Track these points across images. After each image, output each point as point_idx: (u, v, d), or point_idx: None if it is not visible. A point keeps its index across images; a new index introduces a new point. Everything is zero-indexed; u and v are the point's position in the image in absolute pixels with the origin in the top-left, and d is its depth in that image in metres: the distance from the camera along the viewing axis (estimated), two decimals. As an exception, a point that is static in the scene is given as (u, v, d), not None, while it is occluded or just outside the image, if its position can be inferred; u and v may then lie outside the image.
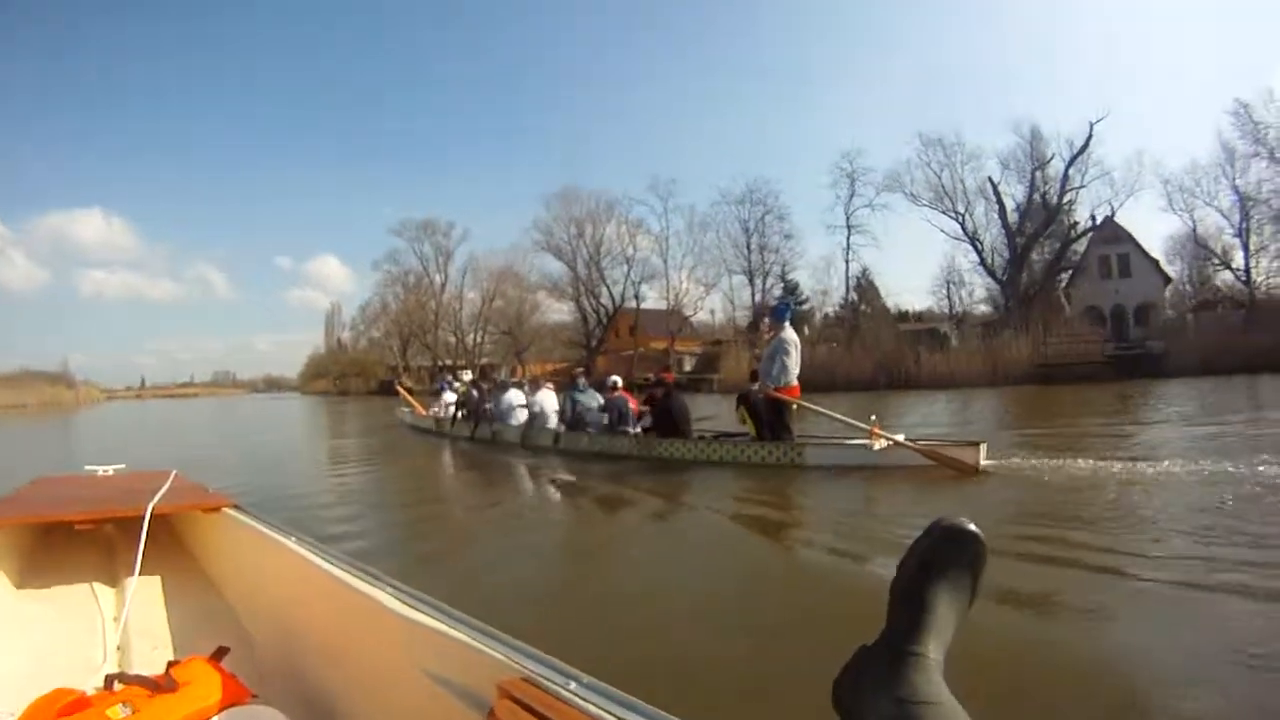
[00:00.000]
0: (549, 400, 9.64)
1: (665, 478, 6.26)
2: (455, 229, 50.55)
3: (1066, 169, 28.30)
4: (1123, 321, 27.59)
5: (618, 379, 8.82)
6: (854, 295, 36.62)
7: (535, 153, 75.13)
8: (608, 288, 43.60)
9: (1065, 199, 28.79)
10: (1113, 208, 28.19)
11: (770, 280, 40.01)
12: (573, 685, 0.92)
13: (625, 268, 43.00)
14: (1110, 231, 28.42)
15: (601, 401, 8.75)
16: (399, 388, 20.17)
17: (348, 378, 53.97)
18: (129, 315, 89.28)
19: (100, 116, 74.73)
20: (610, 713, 0.85)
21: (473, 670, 1.05)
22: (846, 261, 35.94)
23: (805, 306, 36.51)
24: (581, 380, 9.44)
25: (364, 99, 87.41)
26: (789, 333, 6.92)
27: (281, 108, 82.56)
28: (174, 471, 2.77)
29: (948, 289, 34.40)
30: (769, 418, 6.77)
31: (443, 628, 1.15)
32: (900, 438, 6.12)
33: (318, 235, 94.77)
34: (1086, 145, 27.84)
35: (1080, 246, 29.51)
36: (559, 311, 47.29)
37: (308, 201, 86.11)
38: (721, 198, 40.61)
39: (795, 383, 6.80)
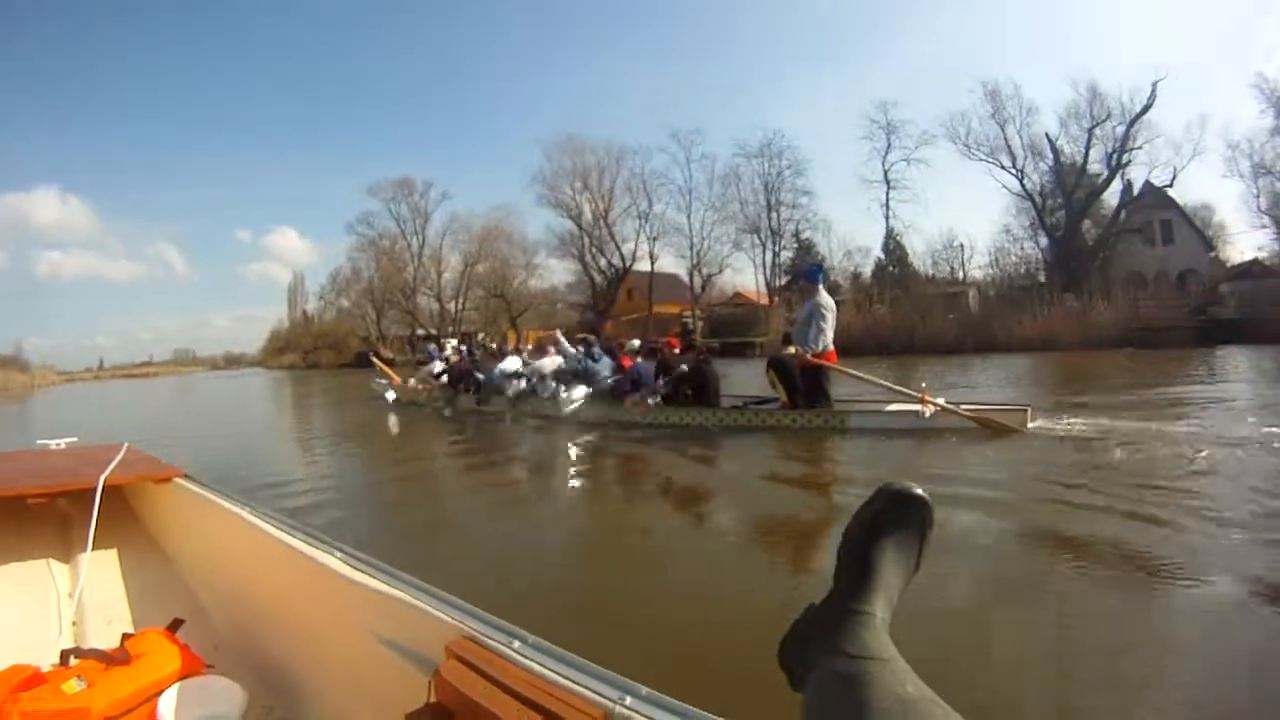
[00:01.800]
0: (552, 365, 9.54)
1: (704, 446, 6.26)
2: (434, 188, 50.21)
3: (1128, 129, 28.43)
4: (1165, 288, 27.88)
5: (637, 342, 8.89)
6: (881, 256, 36.99)
7: (520, 112, 75.71)
8: (617, 246, 42.66)
9: (1125, 160, 28.97)
10: (1175, 170, 28.36)
11: (784, 240, 40.30)
12: (516, 644, 1.01)
13: (637, 224, 42.30)
14: (1153, 197, 28.77)
15: (612, 367, 8.84)
16: (374, 359, 20.18)
17: (318, 350, 53.64)
18: (87, 296, 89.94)
19: (51, 93, 74.66)
20: (552, 669, 0.95)
21: (420, 632, 1.13)
22: (886, 219, 36.13)
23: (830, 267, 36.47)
24: (595, 347, 9.44)
25: (321, 64, 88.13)
26: (824, 296, 7.00)
27: (235, 76, 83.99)
28: (125, 444, 2.86)
29: (994, 254, 34.30)
30: (805, 384, 6.82)
31: (391, 591, 1.23)
32: (943, 402, 6.29)
33: (276, 208, 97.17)
34: (1150, 105, 27.97)
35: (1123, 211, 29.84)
36: (558, 272, 46.92)
37: (266, 174, 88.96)
38: (739, 150, 40.40)
39: (832, 347, 6.92)
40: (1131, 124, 28.53)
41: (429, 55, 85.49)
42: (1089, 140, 29.67)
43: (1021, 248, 33.34)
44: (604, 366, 8.96)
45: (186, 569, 2.28)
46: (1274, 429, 5.15)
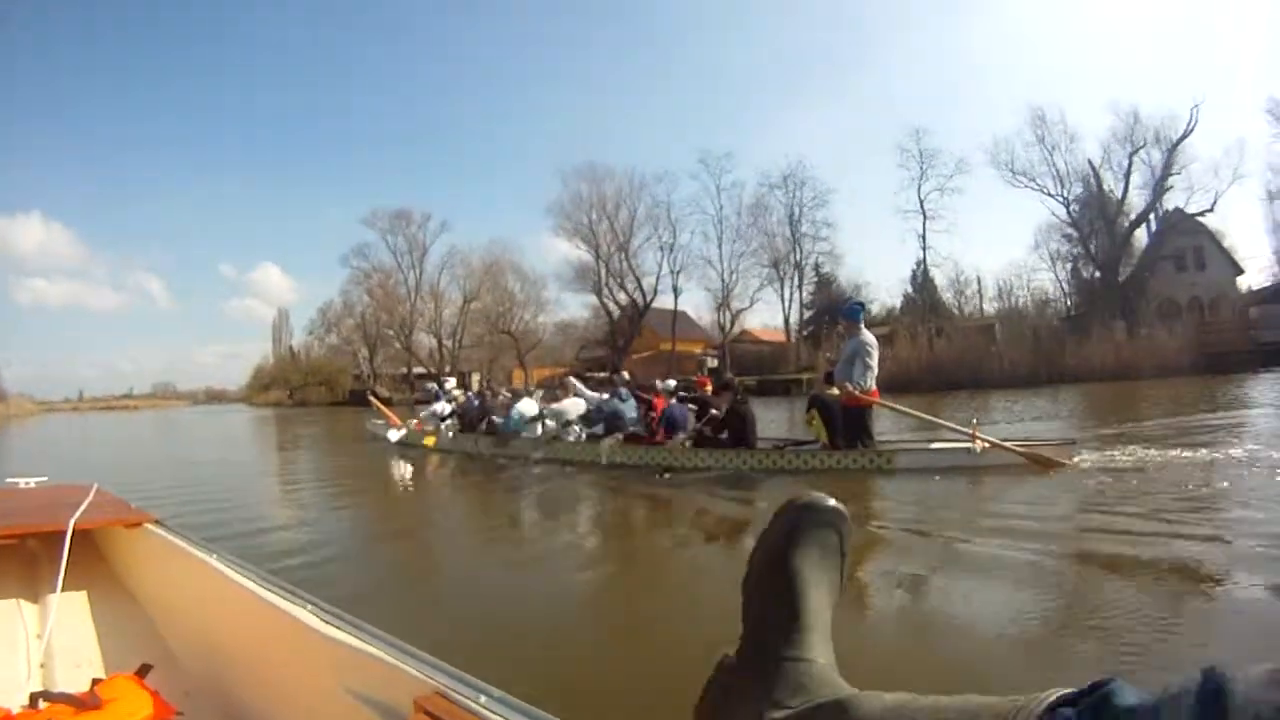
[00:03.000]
0: (575, 408, 9.61)
1: (747, 490, 6.34)
2: (432, 220, 50.76)
3: (1169, 154, 29.39)
4: (1199, 315, 28.23)
5: (673, 382, 9.03)
6: (909, 289, 37.83)
7: (523, 146, 79.19)
8: (638, 279, 42.49)
9: (1167, 185, 29.90)
10: (1216, 195, 29.19)
11: (806, 274, 40.92)
12: (483, 699, 1.07)
13: (659, 255, 42.36)
14: (1185, 223, 29.68)
15: (639, 408, 8.93)
16: (371, 397, 20.25)
17: (307, 387, 53.90)
18: (69, 326, 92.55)
19: (38, 119, 78.43)
20: None
21: (390, 686, 1.19)
22: (923, 248, 36.78)
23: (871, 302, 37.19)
24: (620, 387, 9.40)
25: (310, 97, 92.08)
26: (867, 334, 7.25)
27: (221, 109, 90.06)
28: (95, 484, 2.96)
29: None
30: (847, 423, 6.98)
31: (362, 645, 1.30)
32: (994, 438, 6.50)
33: (260, 244, 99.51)
34: (1190, 130, 28.91)
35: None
36: (572, 307, 47.22)
37: (251, 209, 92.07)
38: (763, 180, 41.15)
39: (874, 386, 7.15)
40: (1173, 149, 29.42)
41: (425, 88, 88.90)
42: (1129, 166, 30.71)
43: (1057, 277, 34.59)
44: (630, 408, 9.00)
45: (156, 614, 2.35)
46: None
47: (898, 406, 7.31)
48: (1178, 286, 29.48)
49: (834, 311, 37.05)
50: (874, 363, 7.06)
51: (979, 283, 37.11)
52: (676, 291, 42.33)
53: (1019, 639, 2.68)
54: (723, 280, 41.14)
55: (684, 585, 3.87)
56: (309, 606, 1.52)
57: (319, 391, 52.62)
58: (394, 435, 13.79)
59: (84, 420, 36.43)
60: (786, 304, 41.27)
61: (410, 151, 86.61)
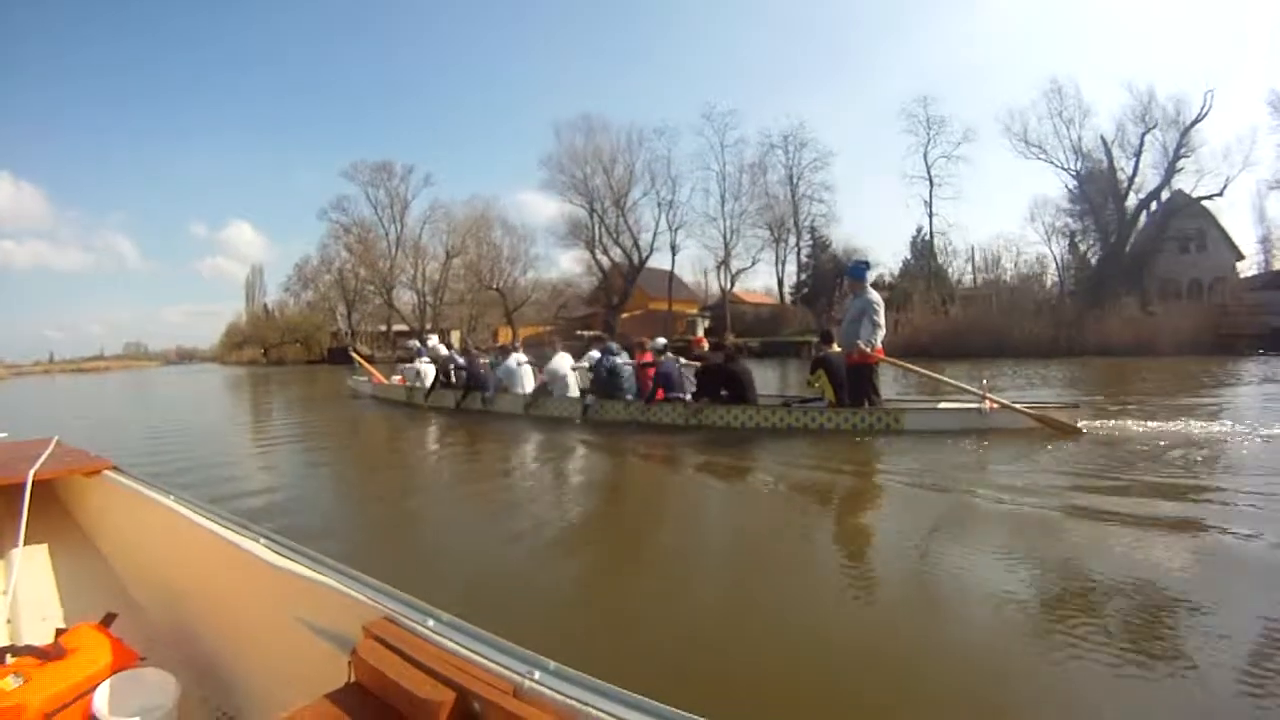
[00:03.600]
0: (565, 363, 9.61)
1: (746, 448, 6.30)
2: (415, 172, 50.16)
3: (1182, 136, 29.86)
4: (1199, 296, 28.84)
5: (662, 341, 8.96)
6: (909, 256, 38.41)
7: (510, 102, 78.03)
8: (633, 235, 42.24)
9: (1178, 166, 30.41)
10: (1227, 180, 29.65)
11: (803, 236, 41.29)
12: (431, 623, 1.10)
13: (656, 212, 42.18)
14: (1189, 206, 30.29)
15: (633, 366, 8.89)
16: (354, 354, 20.27)
17: (283, 345, 53.39)
18: (38, 287, 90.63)
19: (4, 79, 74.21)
20: (464, 646, 1.04)
21: (340, 614, 1.23)
22: (930, 215, 37.61)
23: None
24: (614, 343, 9.39)
25: (286, 52, 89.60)
26: (872, 293, 7.18)
27: (192, 63, 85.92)
28: (55, 437, 3.01)
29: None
30: (854, 382, 6.97)
31: (312, 575, 1.34)
32: (1005, 401, 6.56)
33: (231, 202, 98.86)
34: (1204, 114, 29.39)
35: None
36: (565, 263, 47.50)
37: (223, 166, 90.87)
38: (764, 139, 41.26)
39: (880, 345, 7.11)
40: (1186, 131, 29.92)
41: (403, 40, 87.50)
42: (1141, 145, 31.16)
43: (1051, 250, 35.38)
44: (625, 365, 8.95)
45: (118, 562, 2.41)
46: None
47: (907, 364, 7.32)
48: (1179, 267, 30.10)
49: (827, 274, 37.85)
50: (881, 320, 7.02)
51: (972, 252, 37.91)
52: (674, 249, 42.37)
53: (1031, 592, 2.73)
54: (725, 238, 41.23)
55: (674, 541, 3.87)
56: (262, 540, 1.57)
57: (295, 349, 52.16)
58: (368, 389, 14.12)
59: (52, 382, 36.00)
60: (781, 266, 41.84)
61: (386, 109, 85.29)
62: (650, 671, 2.10)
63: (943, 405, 6.93)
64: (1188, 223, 30.43)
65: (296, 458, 7.42)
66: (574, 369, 9.66)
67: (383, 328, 50.97)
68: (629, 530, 4.18)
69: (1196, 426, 6.04)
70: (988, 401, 6.48)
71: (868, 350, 6.91)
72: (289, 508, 4.73)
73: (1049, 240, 35.41)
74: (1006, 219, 71.46)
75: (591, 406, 8.70)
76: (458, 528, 4.27)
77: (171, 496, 2.07)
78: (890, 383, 7.41)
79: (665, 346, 8.75)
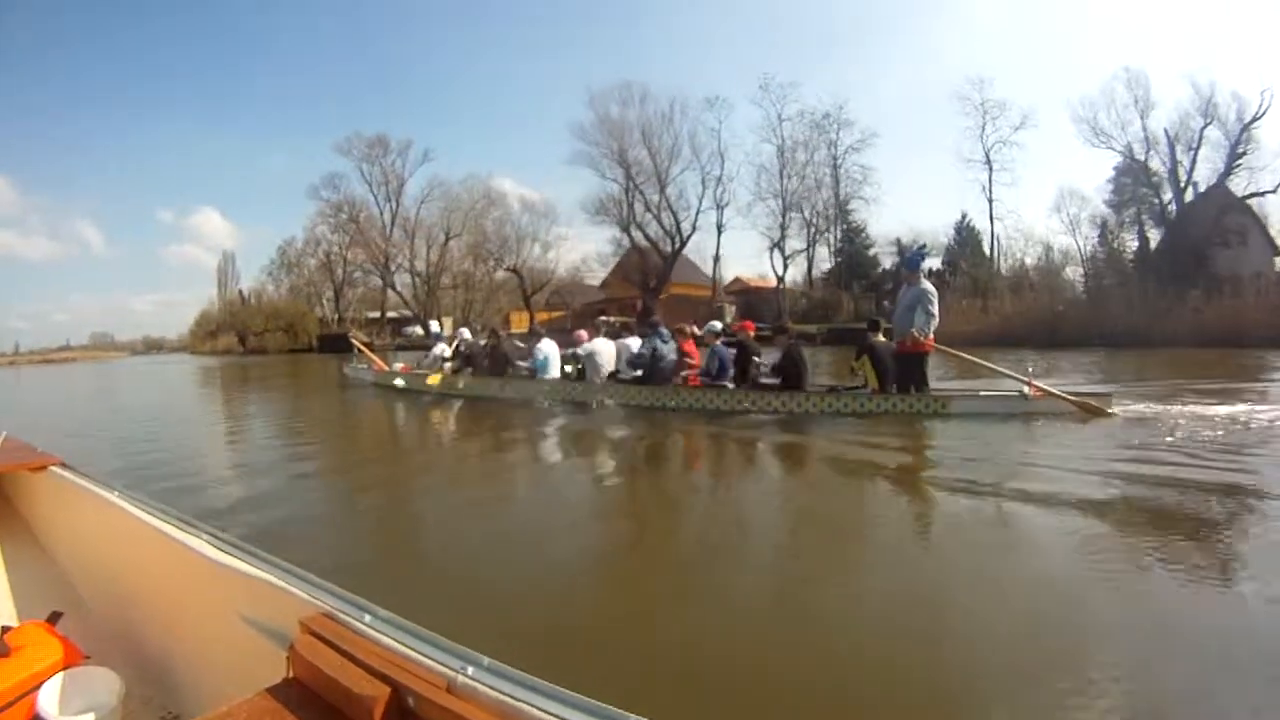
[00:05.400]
0: (606, 350, 10.09)
1: (800, 433, 7.13)
2: (412, 149, 50.74)
3: (1241, 132, 31.86)
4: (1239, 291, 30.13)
5: (718, 325, 9.74)
6: (953, 243, 39.95)
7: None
8: (674, 213, 42.41)
9: (1237, 163, 32.41)
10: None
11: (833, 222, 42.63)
12: (367, 618, 1.20)
13: (700, 189, 42.65)
14: (1231, 201, 32.47)
15: (677, 350, 9.45)
16: (354, 340, 20.78)
17: (265, 333, 53.73)
18: (4, 277, 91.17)
19: None
20: (400, 641, 1.13)
21: (278, 609, 1.32)
22: (990, 200, 39.22)
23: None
24: (663, 328, 9.84)
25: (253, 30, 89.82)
26: (926, 283, 8.09)
27: (158, 45, 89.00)
28: (3, 433, 3.17)
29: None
30: (904, 370, 7.87)
31: (252, 570, 1.44)
32: (1047, 386, 7.54)
33: (198, 187, 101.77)
34: (1263, 112, 31.38)
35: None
36: (593, 242, 48.36)
37: (190, 150, 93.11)
38: (804, 117, 42.32)
39: (932, 334, 7.98)
40: (1246, 128, 31.98)
41: (387, 13, 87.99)
42: (1199, 140, 33.18)
43: (1076, 241, 37.50)
44: (670, 350, 9.49)
45: (64, 559, 2.54)
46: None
47: (959, 352, 8.37)
48: (1220, 261, 31.68)
49: (864, 260, 39.73)
50: (935, 311, 7.91)
51: (997, 240, 39.67)
52: (720, 229, 43.02)
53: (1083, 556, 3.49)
54: (782, 219, 42.26)
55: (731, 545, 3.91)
56: (205, 536, 1.68)
57: (277, 338, 52.40)
58: (370, 377, 14.22)
59: (18, 375, 36.23)
60: (812, 249, 43.37)
61: (362, 89, 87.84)
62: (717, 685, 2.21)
63: (985, 392, 7.84)
64: (1230, 218, 32.30)
65: (307, 463, 6.66)
66: (609, 354, 10.06)
67: (375, 314, 51.46)
68: (668, 530, 4.26)
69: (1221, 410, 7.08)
70: (1031, 387, 7.44)
71: (921, 339, 7.82)
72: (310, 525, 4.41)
73: (1074, 231, 37.56)
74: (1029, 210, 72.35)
75: (635, 392, 9.24)
76: (528, 524, 4.30)
77: (117, 493, 2.17)
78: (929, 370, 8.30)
79: (720, 331, 9.47)
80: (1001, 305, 31.88)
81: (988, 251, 39.69)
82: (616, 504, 4.92)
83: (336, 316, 52.33)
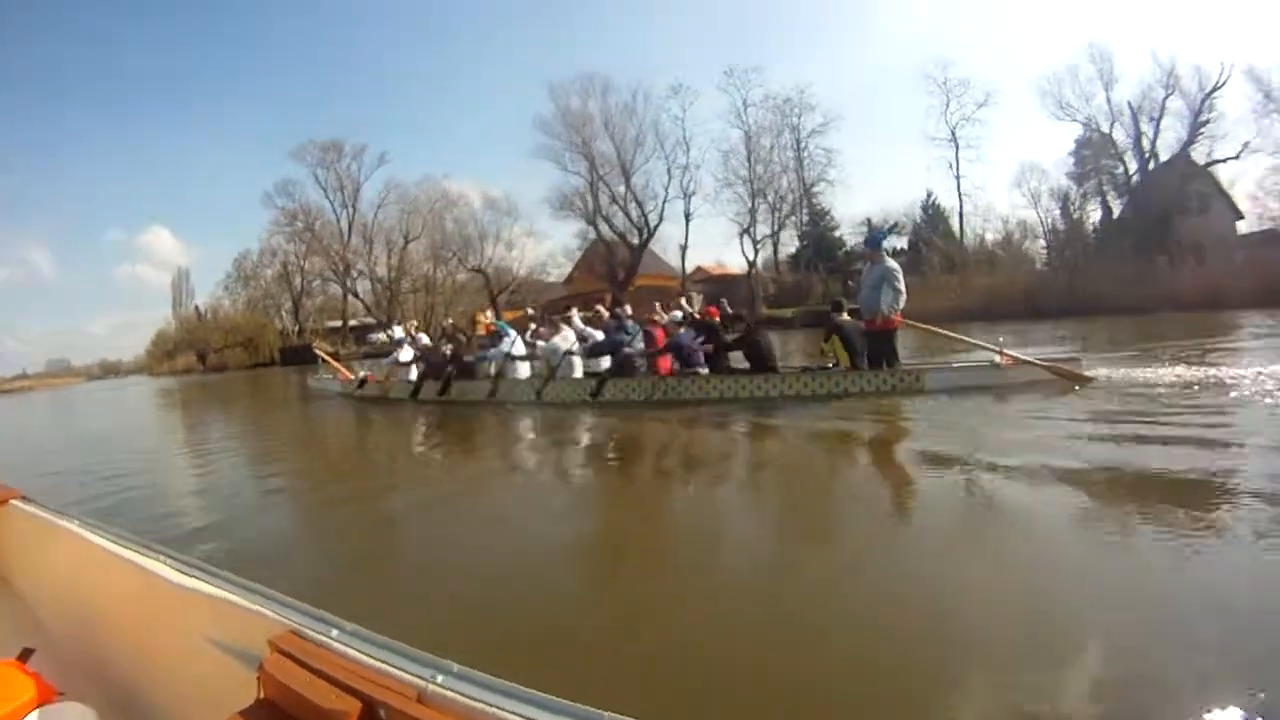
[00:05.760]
0: (566, 343, 9.96)
1: (774, 415, 7.05)
2: (367, 152, 50.20)
3: (1203, 102, 32.92)
4: (1201, 257, 31.86)
5: (679, 313, 9.65)
6: (919, 219, 40.79)
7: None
8: (639, 204, 42.69)
9: (1198, 133, 33.50)
10: (1245, 145, 32.62)
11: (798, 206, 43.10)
12: (334, 633, 1.21)
13: (666, 179, 42.79)
14: (1189, 169, 33.67)
15: (645, 339, 9.43)
16: (319, 351, 20.63)
17: (224, 350, 52.96)
18: None
19: None
20: (368, 654, 1.14)
21: (246, 629, 1.32)
22: (957, 178, 40.00)
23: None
24: (627, 321, 9.90)
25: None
26: (890, 261, 8.15)
27: (106, 60, 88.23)
28: None
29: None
30: (874, 347, 7.88)
31: (216, 592, 1.44)
32: (1020, 354, 7.59)
33: (148, 205, 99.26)
34: (1222, 83, 32.48)
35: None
36: (559, 238, 48.44)
37: (139, 168, 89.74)
38: (767, 102, 42.75)
39: (900, 310, 8.00)
40: (1206, 98, 33.06)
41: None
42: (1161, 111, 34.47)
43: (1039, 214, 38.63)
44: (638, 340, 9.52)
45: (31, 594, 2.51)
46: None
47: (927, 326, 8.36)
48: (1184, 228, 33.16)
49: (830, 242, 40.26)
50: (902, 287, 7.93)
51: (964, 217, 40.46)
52: (688, 217, 43.15)
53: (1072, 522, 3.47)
54: (751, 204, 42.50)
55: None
56: (167, 561, 1.68)
57: (237, 354, 51.70)
58: (337, 388, 14.17)
59: None
60: (777, 235, 43.81)
61: (315, 102, 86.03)
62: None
63: (957, 364, 7.90)
64: (1192, 185, 33.53)
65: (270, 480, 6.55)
66: (569, 347, 9.95)
67: (337, 323, 50.91)
68: (646, 529, 4.14)
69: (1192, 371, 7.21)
70: (1002, 356, 7.48)
71: (890, 315, 7.84)
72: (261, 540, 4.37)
73: (1035, 204, 38.64)
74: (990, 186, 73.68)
75: (607, 384, 9.15)
76: (497, 524, 4.28)
77: (78, 523, 2.18)
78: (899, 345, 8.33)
79: (682, 319, 9.44)
80: (975, 280, 32.86)
81: (955, 228, 40.51)
82: (591, 500, 4.90)
83: (297, 328, 51.59)
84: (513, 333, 11.15)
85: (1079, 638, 2.26)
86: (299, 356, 32.69)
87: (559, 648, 2.47)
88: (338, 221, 50.28)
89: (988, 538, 3.34)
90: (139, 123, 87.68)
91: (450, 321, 19.01)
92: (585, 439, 7.19)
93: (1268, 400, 5.61)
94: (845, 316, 8.28)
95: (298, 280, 51.66)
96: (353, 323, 50.10)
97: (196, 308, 61.03)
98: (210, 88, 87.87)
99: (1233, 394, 5.99)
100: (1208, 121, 33.28)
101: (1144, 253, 29.78)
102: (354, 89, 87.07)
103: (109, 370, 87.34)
